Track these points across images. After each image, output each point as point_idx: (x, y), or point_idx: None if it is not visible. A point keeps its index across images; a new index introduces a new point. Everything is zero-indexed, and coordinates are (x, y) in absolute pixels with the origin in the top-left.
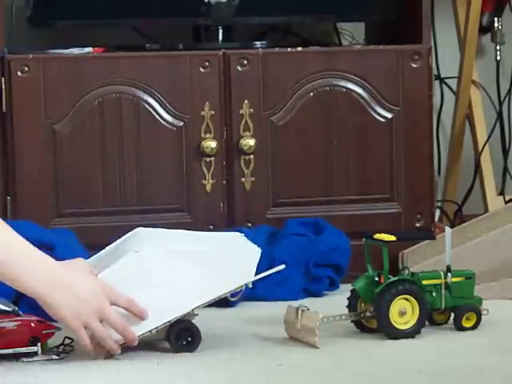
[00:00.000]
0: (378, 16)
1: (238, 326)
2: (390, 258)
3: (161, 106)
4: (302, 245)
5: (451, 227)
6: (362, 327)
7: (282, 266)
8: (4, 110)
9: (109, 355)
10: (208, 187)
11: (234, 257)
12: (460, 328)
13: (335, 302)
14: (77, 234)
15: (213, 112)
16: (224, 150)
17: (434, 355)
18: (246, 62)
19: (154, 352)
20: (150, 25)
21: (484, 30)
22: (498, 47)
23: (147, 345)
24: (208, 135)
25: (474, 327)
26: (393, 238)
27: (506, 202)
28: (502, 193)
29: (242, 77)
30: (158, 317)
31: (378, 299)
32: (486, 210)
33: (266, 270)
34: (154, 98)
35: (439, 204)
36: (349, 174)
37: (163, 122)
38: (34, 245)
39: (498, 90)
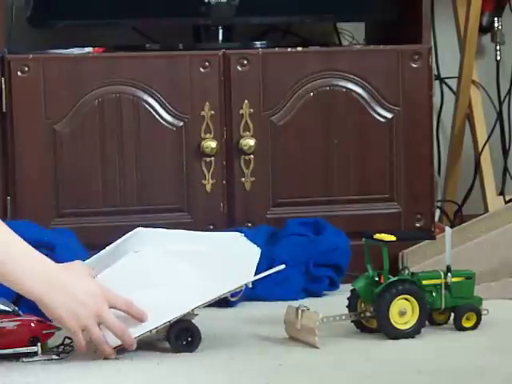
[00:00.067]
0: (378, 16)
1: (238, 326)
2: (390, 258)
3: (161, 106)
4: (302, 245)
5: (451, 227)
6: (362, 327)
7: (282, 266)
8: (4, 110)
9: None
10: (208, 187)
11: (233, 257)
12: (460, 328)
13: (335, 302)
14: (77, 234)
15: (213, 112)
16: (224, 150)
17: (434, 355)
18: (245, 62)
19: (154, 352)
20: (150, 25)
21: (484, 29)
22: (497, 47)
23: (147, 345)
24: (208, 135)
25: (474, 327)
26: (393, 238)
27: (506, 202)
28: (502, 193)
29: (242, 77)
30: (157, 317)
31: (378, 299)
32: (486, 210)
33: (265, 270)
34: (154, 98)
35: (439, 204)
36: (349, 174)
37: (163, 122)
38: (34, 245)
39: (498, 90)
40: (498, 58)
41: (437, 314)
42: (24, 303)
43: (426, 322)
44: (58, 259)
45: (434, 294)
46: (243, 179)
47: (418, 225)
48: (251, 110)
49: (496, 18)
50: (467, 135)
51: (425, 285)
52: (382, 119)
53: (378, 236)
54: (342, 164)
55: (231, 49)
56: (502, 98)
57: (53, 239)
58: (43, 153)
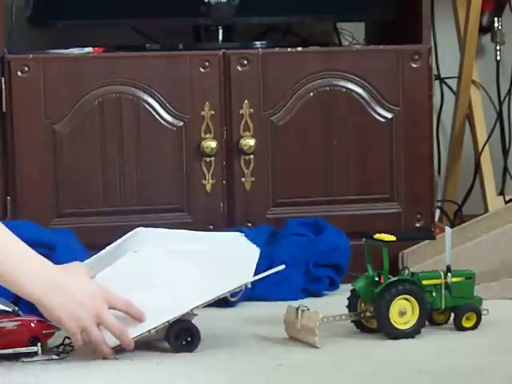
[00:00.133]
0: (378, 16)
1: (238, 326)
2: (390, 258)
3: (161, 106)
4: (301, 245)
5: (451, 227)
6: (362, 327)
7: (282, 267)
8: (4, 110)
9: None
10: (208, 187)
11: (233, 257)
12: (460, 328)
13: (335, 302)
14: (77, 234)
15: (213, 112)
16: (224, 150)
17: (434, 355)
18: (245, 62)
19: (154, 352)
20: (150, 25)
21: (484, 29)
22: (497, 47)
23: (147, 345)
24: (208, 135)
25: (474, 327)
26: (393, 238)
27: (506, 202)
28: (502, 193)
29: (242, 77)
30: (156, 317)
31: (378, 299)
32: (486, 210)
33: (265, 270)
34: (154, 98)
35: (439, 204)
36: (349, 174)
37: (163, 122)
38: (34, 245)
39: (498, 90)
40: (498, 57)
41: (437, 314)
42: (24, 303)
43: (426, 322)
44: (58, 259)
45: (433, 293)
46: (243, 179)
47: (418, 225)
48: (251, 110)
49: (496, 18)
50: (467, 135)
51: (425, 285)
52: (382, 119)
53: (377, 236)
54: (342, 164)
55: (231, 49)
56: (502, 98)
57: (53, 239)
58: (43, 153)
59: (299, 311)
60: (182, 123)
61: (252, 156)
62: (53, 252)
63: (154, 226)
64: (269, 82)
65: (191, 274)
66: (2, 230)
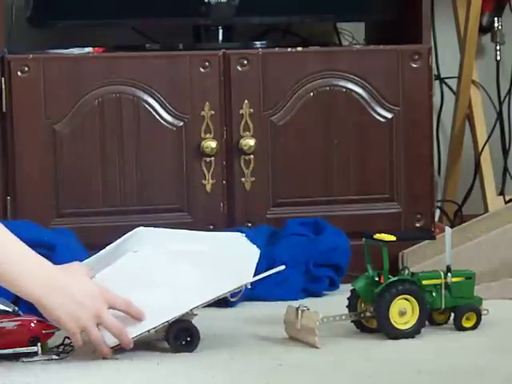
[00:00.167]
0: (378, 16)
1: (238, 326)
2: (390, 258)
3: (161, 106)
4: (302, 245)
5: (451, 227)
6: (362, 327)
7: (282, 267)
8: (4, 110)
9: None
10: (208, 187)
11: (233, 257)
12: (460, 328)
13: (335, 302)
14: (77, 234)
15: (213, 112)
16: (224, 150)
17: (434, 355)
18: (246, 62)
19: (154, 352)
20: (150, 25)
21: (484, 29)
22: (497, 47)
23: (147, 345)
24: (208, 135)
25: (474, 327)
26: (393, 238)
27: (506, 202)
28: (502, 193)
29: (242, 77)
30: (156, 317)
31: (378, 299)
32: (486, 210)
33: (265, 270)
34: (154, 98)
35: (439, 204)
36: (349, 174)
37: (163, 122)
38: (34, 245)
39: (498, 90)
40: (498, 57)
41: (437, 314)
42: (24, 303)
43: (426, 322)
44: (58, 259)
45: (433, 293)
46: (243, 179)
47: (418, 225)
48: (251, 110)
49: (496, 18)
50: (467, 135)
51: (425, 285)
52: (382, 119)
53: (377, 236)
54: (342, 164)
55: (231, 49)
56: (502, 98)
57: (53, 239)
58: (43, 153)
59: (299, 311)
60: (181, 123)
61: (252, 156)
62: (53, 252)
63: (154, 226)
64: (269, 82)
65: (191, 274)
66: (2, 230)
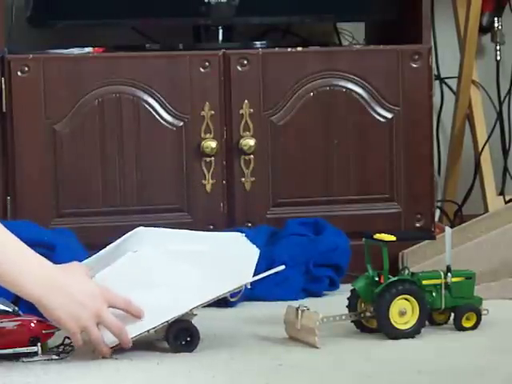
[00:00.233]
0: (378, 16)
1: (238, 326)
2: (390, 258)
3: (161, 106)
4: (302, 245)
5: (451, 227)
6: (362, 327)
7: (282, 267)
8: (4, 110)
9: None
10: (208, 187)
11: (232, 257)
12: (460, 328)
13: (335, 302)
14: (77, 234)
15: (213, 112)
16: (224, 150)
17: (434, 355)
18: (245, 62)
19: (154, 352)
20: (150, 25)
21: (484, 29)
22: (497, 47)
23: (147, 345)
24: (208, 135)
25: (474, 327)
26: (393, 238)
27: (506, 202)
28: (502, 193)
29: (242, 77)
30: (156, 317)
31: (378, 299)
32: (486, 210)
33: (265, 270)
34: (154, 98)
35: (439, 204)
36: (349, 174)
37: (163, 122)
38: (34, 245)
39: (498, 90)
40: (498, 57)
41: (437, 314)
42: (24, 303)
43: (426, 322)
44: (58, 259)
45: (433, 293)
46: (243, 179)
47: (418, 225)
48: (251, 110)
49: (496, 18)
50: (467, 135)
51: (425, 285)
52: (382, 119)
53: (378, 236)
54: (342, 164)
55: (231, 49)
56: (502, 98)
57: (53, 239)
58: (43, 153)
59: (299, 311)
60: (181, 123)
61: (252, 156)
62: (53, 252)
63: (154, 226)
64: (269, 82)
65: (191, 274)
66: (1, 230)
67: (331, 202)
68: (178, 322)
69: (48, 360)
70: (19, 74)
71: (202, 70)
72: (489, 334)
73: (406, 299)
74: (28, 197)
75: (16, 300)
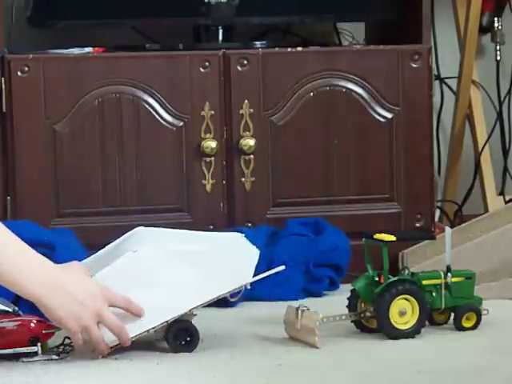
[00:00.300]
0: (378, 16)
1: (238, 326)
2: (390, 258)
3: (161, 106)
4: (302, 245)
5: (451, 227)
6: (362, 327)
7: (282, 267)
8: (4, 110)
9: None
10: (208, 187)
11: (232, 257)
12: (460, 328)
13: (335, 302)
14: (77, 234)
15: (213, 112)
16: (224, 150)
17: (434, 355)
18: (245, 62)
19: (154, 352)
20: (150, 25)
21: (484, 29)
22: (497, 47)
23: (146, 345)
24: (208, 135)
25: (474, 327)
26: (393, 238)
27: (506, 202)
28: (502, 193)
29: (242, 77)
30: (156, 317)
31: (378, 299)
32: (486, 210)
33: (265, 270)
34: (154, 98)
35: (439, 204)
36: (349, 174)
37: (163, 122)
38: (34, 245)
39: (498, 90)
40: (498, 57)
41: (437, 314)
42: (24, 303)
43: (426, 322)
44: (57, 259)
45: (433, 294)
46: (243, 179)
47: (418, 225)
48: (251, 110)
49: (496, 18)
50: (467, 135)
51: (425, 285)
52: (382, 119)
53: (378, 236)
54: (342, 164)
55: (231, 49)
56: (502, 98)
57: (53, 239)
58: (43, 153)
59: (299, 311)
60: (181, 123)
61: (252, 156)
62: (53, 252)
63: (154, 226)
64: (269, 82)
65: (190, 274)
66: (2, 230)
67: (331, 201)
68: (177, 322)
69: (48, 360)
70: (19, 73)
71: (201, 70)
72: (489, 334)
73: (406, 299)
74: (28, 197)
75: (16, 300)
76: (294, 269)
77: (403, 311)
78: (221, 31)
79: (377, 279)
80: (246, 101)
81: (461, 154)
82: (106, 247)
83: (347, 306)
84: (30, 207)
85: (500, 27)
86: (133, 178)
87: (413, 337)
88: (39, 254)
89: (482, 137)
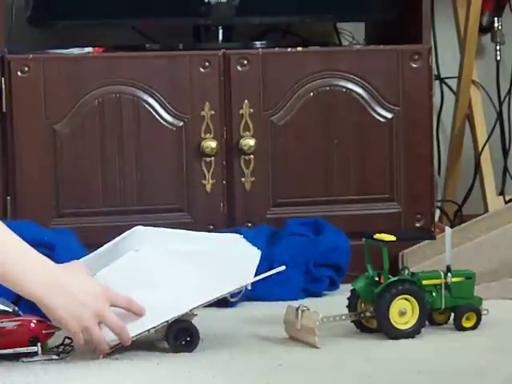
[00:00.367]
0: (378, 16)
1: (238, 326)
2: (390, 258)
3: (161, 106)
4: (302, 245)
5: (451, 227)
6: (362, 327)
7: (283, 267)
8: (4, 110)
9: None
10: (208, 187)
11: (233, 258)
12: (460, 328)
13: (335, 302)
14: (77, 234)
15: (213, 112)
16: (224, 150)
17: (434, 355)
18: (245, 62)
19: (154, 352)
20: (150, 25)
21: (484, 29)
22: (497, 47)
23: (147, 345)
24: (208, 135)
25: (474, 327)
26: (393, 238)
27: (506, 202)
28: (502, 193)
29: (242, 77)
30: (156, 316)
31: (378, 299)
32: (486, 210)
33: (265, 270)
34: (154, 98)
35: (439, 204)
36: (349, 174)
37: (163, 122)
38: (34, 245)
39: (498, 90)
40: (498, 57)
41: (437, 314)
42: (24, 303)
43: (426, 322)
44: (57, 259)
45: (433, 293)
46: (243, 179)
47: (418, 225)
48: (251, 110)
49: (496, 18)
50: (467, 135)
51: (425, 285)
52: (382, 119)
53: (378, 236)
54: (342, 164)
55: (231, 49)
56: (502, 98)
57: (53, 239)
58: (43, 153)
59: (299, 311)
60: (181, 123)
61: (252, 156)
62: (53, 252)
63: (154, 226)
64: (269, 82)
65: (191, 274)
66: (3, 230)
67: (331, 201)
68: (177, 322)
69: (48, 360)
70: (19, 74)
71: (201, 69)
72: (489, 334)
73: (406, 299)
74: (28, 197)
75: (16, 300)
76: (294, 269)
77: (403, 311)
78: (221, 31)
79: (377, 279)
80: (245, 101)
81: (461, 153)
82: (105, 246)
83: (347, 306)
84: (29, 207)
85: (500, 27)
86: (133, 178)
87: (413, 337)
88: (40, 254)
89: (482, 137)
